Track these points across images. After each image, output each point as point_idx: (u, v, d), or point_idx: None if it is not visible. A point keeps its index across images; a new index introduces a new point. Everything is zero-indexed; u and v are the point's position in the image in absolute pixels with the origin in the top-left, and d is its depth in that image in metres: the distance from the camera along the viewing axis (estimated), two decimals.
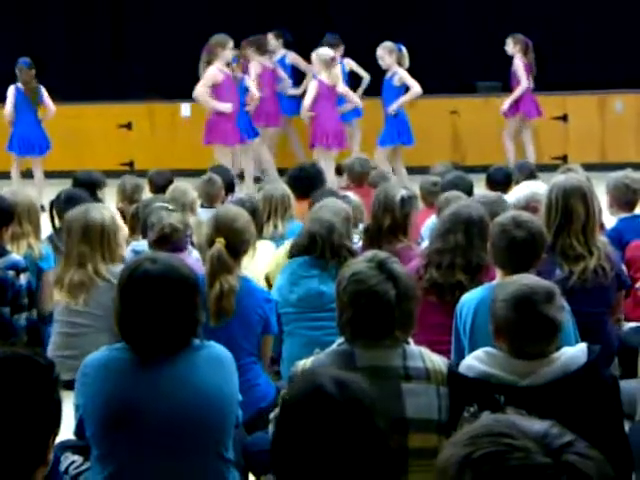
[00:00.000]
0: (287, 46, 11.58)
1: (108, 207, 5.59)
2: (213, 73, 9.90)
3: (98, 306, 5.07)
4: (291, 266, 4.81)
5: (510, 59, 11.24)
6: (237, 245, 4.42)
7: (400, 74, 10.17)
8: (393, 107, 10.18)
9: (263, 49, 11.04)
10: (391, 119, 10.28)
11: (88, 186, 7.02)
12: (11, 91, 10.54)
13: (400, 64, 10.20)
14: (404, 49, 10.17)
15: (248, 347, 4.29)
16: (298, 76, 11.60)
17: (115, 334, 3.19)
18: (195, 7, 13.07)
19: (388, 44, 10.20)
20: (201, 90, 9.90)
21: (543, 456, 1.30)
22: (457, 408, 3.03)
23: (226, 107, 9.87)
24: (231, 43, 10.07)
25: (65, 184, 7.43)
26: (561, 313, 3.08)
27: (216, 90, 9.95)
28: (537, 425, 1.36)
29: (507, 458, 1.30)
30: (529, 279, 3.23)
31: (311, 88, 10.06)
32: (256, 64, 10.97)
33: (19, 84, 10.54)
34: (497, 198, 5.59)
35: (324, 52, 10.15)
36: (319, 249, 4.75)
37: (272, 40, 11.39)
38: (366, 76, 11.42)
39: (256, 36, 11.10)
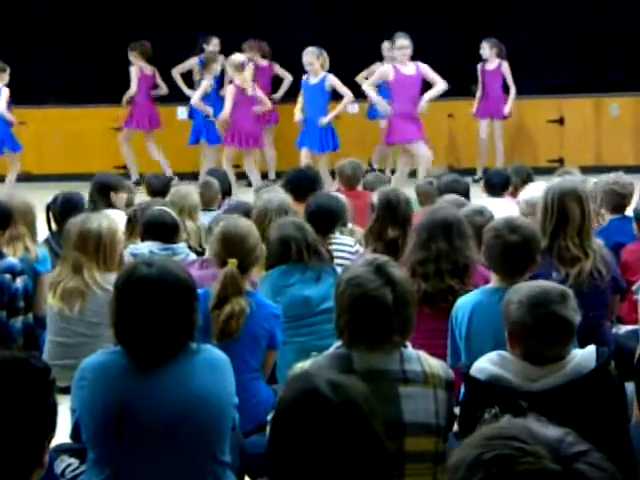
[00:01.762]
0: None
1: (109, 215, 5.56)
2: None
3: (94, 314, 5.06)
4: (270, 278, 4.76)
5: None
6: (248, 263, 4.38)
7: (331, 80, 10.15)
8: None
9: (146, 54, 11.61)
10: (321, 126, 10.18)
11: (101, 188, 7.01)
12: None
13: (323, 67, 10.22)
14: (325, 52, 10.20)
15: (252, 362, 4.24)
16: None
17: (113, 342, 3.18)
18: (192, 10, 13.07)
19: (312, 49, 10.19)
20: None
21: (553, 462, 1.29)
22: (469, 411, 3.04)
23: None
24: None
25: (61, 187, 7.42)
26: (576, 314, 3.08)
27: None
28: (552, 431, 1.35)
29: (517, 462, 1.30)
30: (541, 282, 3.24)
31: (228, 93, 10.45)
32: (136, 68, 11.56)
33: None
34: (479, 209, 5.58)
35: (235, 57, 10.47)
36: (296, 252, 4.72)
37: (217, 45, 11.79)
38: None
39: (139, 41, 11.58)
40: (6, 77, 10.67)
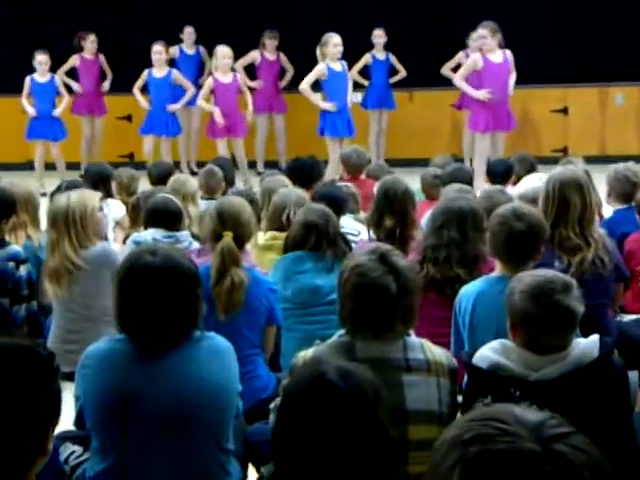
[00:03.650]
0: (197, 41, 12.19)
1: (83, 190, 5.55)
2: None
3: (82, 295, 5.13)
4: (284, 262, 4.79)
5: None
6: (243, 237, 4.45)
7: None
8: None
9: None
10: None
11: (100, 178, 7.06)
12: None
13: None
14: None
15: (252, 338, 4.29)
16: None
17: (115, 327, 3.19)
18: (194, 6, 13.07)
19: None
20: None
21: (532, 443, 1.29)
22: (470, 399, 3.04)
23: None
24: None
25: (68, 176, 7.45)
26: (579, 304, 3.07)
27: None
28: (535, 414, 1.35)
29: (495, 441, 1.29)
30: (545, 271, 3.23)
31: (207, 85, 10.65)
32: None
33: None
34: (497, 192, 5.60)
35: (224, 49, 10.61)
36: (315, 239, 4.74)
37: (191, 33, 12.09)
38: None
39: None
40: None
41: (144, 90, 11.10)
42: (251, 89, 11.34)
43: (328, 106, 10.26)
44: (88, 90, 11.84)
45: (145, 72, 11.02)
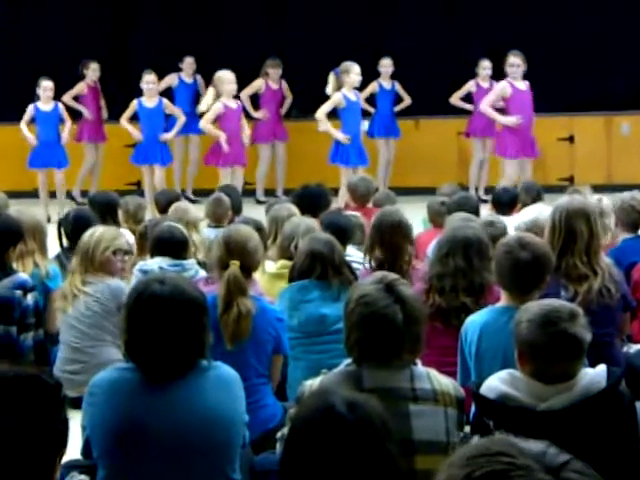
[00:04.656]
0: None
1: (108, 231, 5.69)
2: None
3: (90, 316, 5.30)
4: (290, 291, 4.79)
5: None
6: (250, 266, 4.44)
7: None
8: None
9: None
10: None
11: (107, 208, 7.09)
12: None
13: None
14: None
15: (259, 367, 4.28)
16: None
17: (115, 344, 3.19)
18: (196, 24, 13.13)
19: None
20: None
21: (544, 474, 1.30)
22: (478, 429, 3.03)
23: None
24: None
25: (72, 203, 7.46)
26: (586, 332, 3.07)
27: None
28: (534, 445, 1.36)
29: (510, 476, 1.30)
30: (551, 301, 3.24)
31: (214, 109, 10.54)
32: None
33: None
34: (491, 223, 5.60)
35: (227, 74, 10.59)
36: (321, 269, 4.74)
37: (189, 62, 12.17)
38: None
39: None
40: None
41: (133, 120, 11.14)
42: (251, 118, 11.40)
43: (342, 138, 10.33)
44: (92, 117, 11.96)
45: (134, 102, 11.01)
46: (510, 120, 10.15)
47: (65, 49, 12.83)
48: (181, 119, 11.21)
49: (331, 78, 10.49)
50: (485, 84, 11.63)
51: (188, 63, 12.22)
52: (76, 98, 11.97)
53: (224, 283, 4.24)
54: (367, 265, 5.20)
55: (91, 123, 11.96)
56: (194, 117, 11.54)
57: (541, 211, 5.66)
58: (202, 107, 10.90)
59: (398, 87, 12.00)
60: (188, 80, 12.23)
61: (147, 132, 11.02)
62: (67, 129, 11.19)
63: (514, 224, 5.87)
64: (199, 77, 12.21)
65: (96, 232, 5.47)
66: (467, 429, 3.16)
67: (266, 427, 4.07)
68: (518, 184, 8.81)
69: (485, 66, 11.62)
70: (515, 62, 10.21)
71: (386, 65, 11.84)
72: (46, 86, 11.02)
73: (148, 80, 10.96)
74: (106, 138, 12.09)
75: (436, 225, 6.89)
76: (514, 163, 10.17)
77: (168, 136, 11.13)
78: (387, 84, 11.91)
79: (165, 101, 11.17)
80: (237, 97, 10.93)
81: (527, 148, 10.27)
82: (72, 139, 11.44)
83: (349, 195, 8.06)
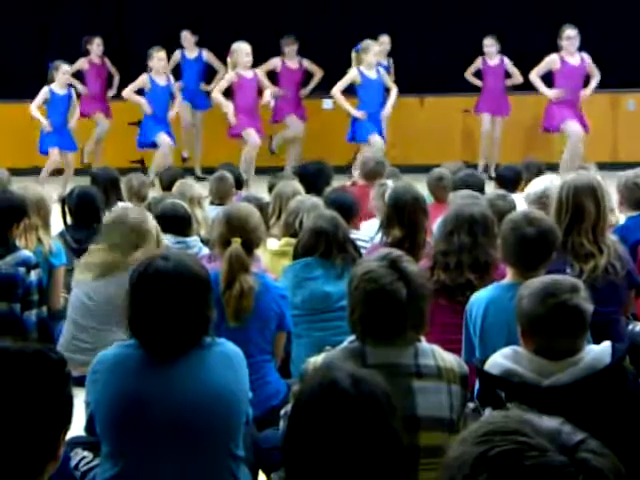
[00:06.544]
0: (200, 44, 12.03)
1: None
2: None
3: (103, 294, 5.24)
4: (294, 268, 4.79)
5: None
6: (252, 243, 4.45)
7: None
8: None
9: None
10: None
11: (111, 183, 7.09)
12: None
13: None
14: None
15: (262, 344, 4.29)
16: (211, 73, 12.01)
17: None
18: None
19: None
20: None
21: (559, 454, 1.29)
22: (482, 406, 3.03)
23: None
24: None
25: (77, 181, 7.46)
26: (588, 304, 3.07)
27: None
28: (549, 422, 1.34)
29: (524, 456, 1.28)
30: (553, 275, 3.24)
31: (227, 78, 10.57)
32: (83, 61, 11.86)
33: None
34: (503, 197, 5.60)
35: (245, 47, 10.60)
36: (325, 246, 4.73)
37: (188, 36, 11.95)
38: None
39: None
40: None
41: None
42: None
43: (359, 114, 10.30)
44: (96, 93, 11.84)
45: (144, 77, 10.88)
46: (553, 93, 10.19)
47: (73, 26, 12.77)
48: (178, 99, 11.12)
49: (353, 55, 10.46)
50: (492, 61, 11.58)
51: (185, 37, 12.00)
52: (78, 74, 11.89)
53: (226, 260, 4.25)
54: (383, 242, 5.16)
55: (93, 98, 11.82)
56: (199, 93, 11.46)
57: (552, 180, 5.64)
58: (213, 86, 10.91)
59: (391, 64, 11.87)
60: (190, 55, 12.04)
61: (155, 109, 10.89)
62: (76, 114, 11.11)
63: (524, 194, 5.87)
64: (205, 51, 12.01)
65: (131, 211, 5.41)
66: (470, 404, 3.16)
67: (270, 404, 4.08)
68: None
69: (487, 44, 11.59)
70: (570, 34, 10.24)
71: (384, 42, 11.73)
72: (65, 70, 10.90)
73: (160, 57, 10.85)
74: (111, 115, 12.00)
75: (437, 199, 6.84)
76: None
77: (172, 114, 11.03)
78: (384, 61, 11.74)
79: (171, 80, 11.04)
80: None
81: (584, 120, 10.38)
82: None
83: (359, 171, 8.02)
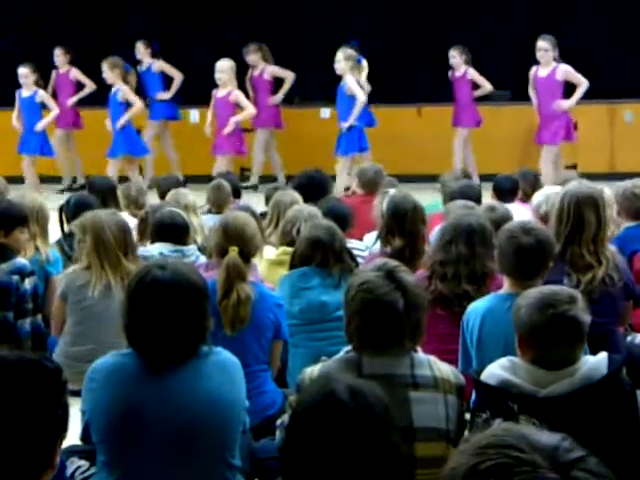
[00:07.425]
0: (153, 55, 11.96)
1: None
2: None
3: (107, 301, 5.21)
4: (290, 278, 4.79)
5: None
6: (249, 252, 4.46)
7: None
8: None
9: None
10: None
11: (109, 192, 7.09)
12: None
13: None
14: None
15: (259, 353, 4.29)
16: (167, 81, 11.98)
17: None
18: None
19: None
20: None
21: (551, 471, 1.27)
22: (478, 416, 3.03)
23: None
24: None
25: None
26: (585, 315, 3.07)
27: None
28: (548, 438, 1.33)
29: (514, 472, 1.28)
30: (550, 286, 3.24)
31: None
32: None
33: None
34: (503, 211, 5.60)
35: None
36: (322, 256, 4.73)
37: (141, 49, 11.86)
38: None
39: None
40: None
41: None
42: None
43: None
44: (63, 104, 11.54)
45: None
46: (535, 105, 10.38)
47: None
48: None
49: (352, 63, 10.34)
50: (458, 72, 11.57)
51: (137, 48, 11.81)
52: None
53: (223, 269, 4.26)
54: (384, 249, 5.15)
55: (62, 111, 11.46)
56: (157, 103, 11.50)
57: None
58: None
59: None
60: (143, 67, 11.84)
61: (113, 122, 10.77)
62: (50, 116, 10.90)
63: (536, 201, 5.90)
64: (156, 61, 11.79)
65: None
66: (467, 416, 3.16)
67: (266, 414, 4.08)
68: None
69: (452, 54, 11.52)
70: (540, 46, 10.32)
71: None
72: (22, 73, 10.80)
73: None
74: (81, 126, 11.88)
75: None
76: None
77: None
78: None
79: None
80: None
81: (539, 132, 10.46)
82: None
83: (357, 181, 8.01)
